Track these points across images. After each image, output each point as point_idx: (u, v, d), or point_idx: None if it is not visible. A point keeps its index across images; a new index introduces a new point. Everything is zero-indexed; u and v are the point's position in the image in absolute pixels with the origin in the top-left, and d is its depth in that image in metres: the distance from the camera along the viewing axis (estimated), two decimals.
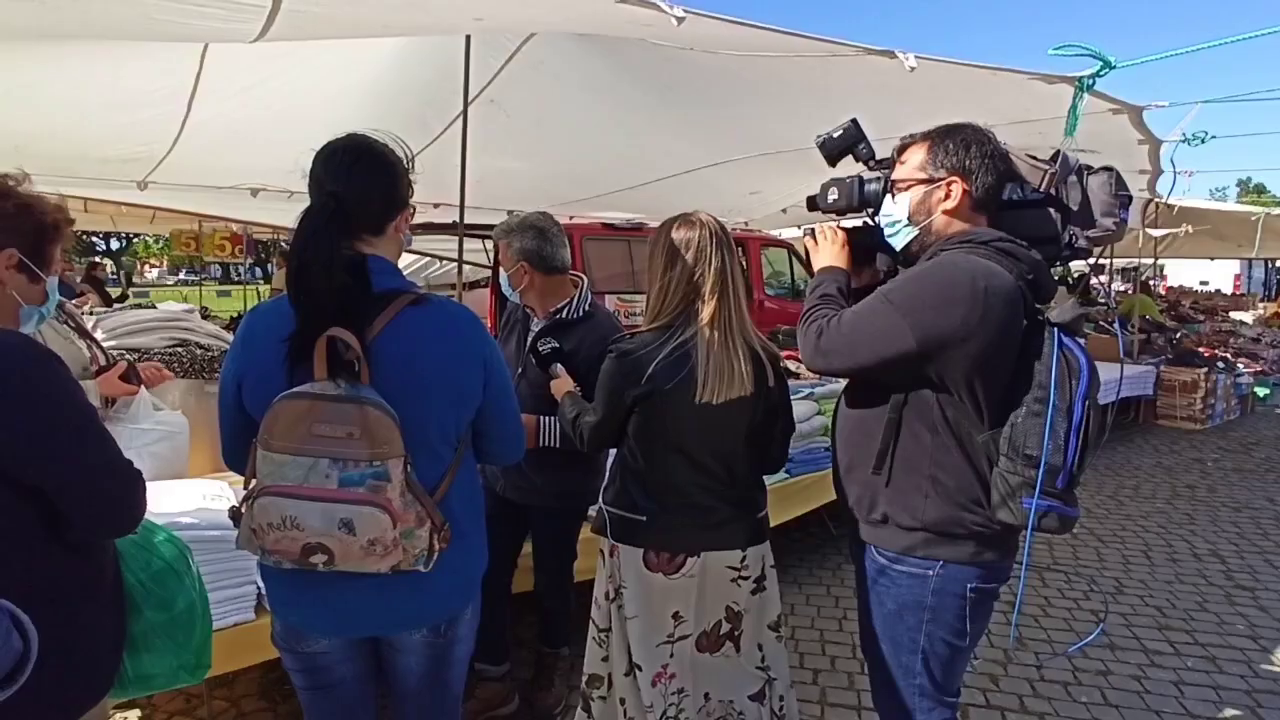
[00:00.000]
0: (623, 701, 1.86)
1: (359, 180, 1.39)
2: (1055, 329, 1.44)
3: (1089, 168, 1.55)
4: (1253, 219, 9.98)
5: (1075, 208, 1.54)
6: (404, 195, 1.46)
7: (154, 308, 3.85)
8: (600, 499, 1.91)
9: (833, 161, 1.81)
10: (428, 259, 9.85)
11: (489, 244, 8.42)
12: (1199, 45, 2.82)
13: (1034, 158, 1.55)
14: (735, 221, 8.50)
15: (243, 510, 1.32)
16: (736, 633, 1.85)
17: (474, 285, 10.55)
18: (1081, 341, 1.47)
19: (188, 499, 2.25)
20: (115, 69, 3.42)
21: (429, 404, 1.36)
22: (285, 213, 7.54)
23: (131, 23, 2.41)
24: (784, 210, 8.34)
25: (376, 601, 1.39)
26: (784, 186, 7.04)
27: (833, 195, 1.76)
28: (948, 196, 1.52)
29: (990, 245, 1.47)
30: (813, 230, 1.78)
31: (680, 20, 2.05)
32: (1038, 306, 1.49)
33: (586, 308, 2.42)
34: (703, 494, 1.79)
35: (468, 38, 3.74)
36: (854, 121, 1.77)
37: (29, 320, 1.33)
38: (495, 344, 1.50)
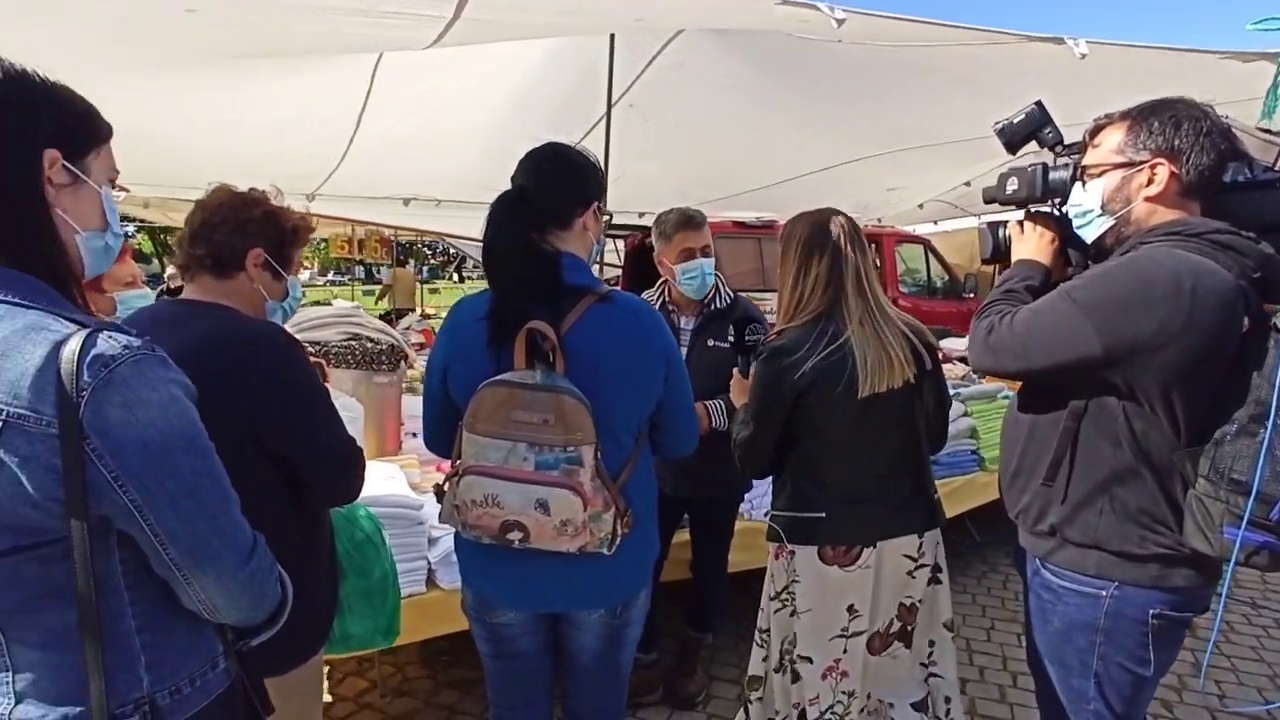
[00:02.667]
0: (773, 695, 1.88)
1: (545, 174, 1.49)
2: None
3: None
4: None
5: None
6: (590, 192, 1.53)
7: (329, 305, 4.21)
8: (770, 508, 1.91)
9: (1013, 149, 1.73)
10: None
11: (620, 244, 8.63)
12: None
13: (1268, 131, 1.40)
14: (868, 218, 8.24)
15: (445, 487, 1.43)
16: (909, 628, 1.82)
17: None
18: None
19: (371, 478, 2.46)
20: (295, 88, 3.77)
21: (615, 395, 1.41)
22: (434, 219, 8.04)
23: (321, 37, 2.65)
24: (920, 205, 8.04)
25: (562, 580, 1.47)
26: (923, 181, 6.78)
27: (1012, 185, 1.67)
28: (1151, 181, 1.39)
29: (1204, 238, 1.33)
30: (1021, 220, 1.67)
31: (841, 22, 2.03)
32: (1266, 309, 1.33)
33: (730, 294, 2.47)
34: (876, 483, 1.77)
35: (611, 42, 3.87)
36: (1038, 104, 1.68)
37: (273, 314, 1.51)
38: (674, 340, 1.55)
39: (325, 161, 5.21)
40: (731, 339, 2.09)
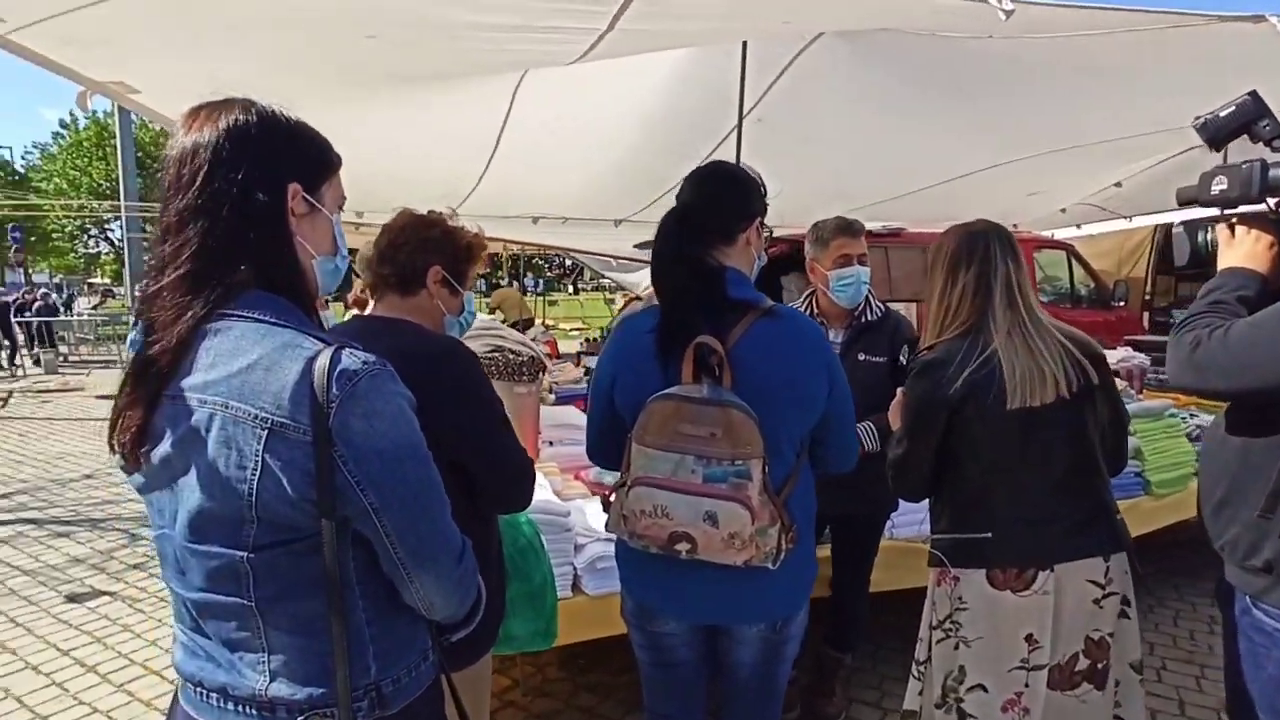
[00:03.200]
0: None
1: (709, 190, 1.54)
2: None
3: None
4: None
5: None
6: (753, 207, 1.56)
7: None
8: (930, 532, 1.85)
9: (1217, 145, 1.58)
10: None
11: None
12: None
13: None
14: (1004, 224, 7.80)
15: (613, 497, 1.47)
16: (1100, 665, 1.68)
17: None
18: None
19: None
20: (444, 108, 3.98)
21: (779, 409, 1.42)
22: (560, 235, 8.30)
23: (482, 54, 2.78)
24: (1063, 210, 7.51)
25: (725, 593, 1.48)
26: (1068, 184, 6.34)
27: (1220, 185, 1.53)
28: None
29: None
30: (1233, 221, 1.53)
31: (1009, 13, 1.94)
32: None
33: (881, 307, 2.41)
34: (1046, 501, 1.67)
35: (743, 54, 3.86)
36: (1253, 95, 1.52)
37: (451, 328, 1.61)
38: (836, 356, 1.55)
39: (465, 181, 5.48)
40: (903, 359, 2.05)
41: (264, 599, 0.94)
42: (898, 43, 3.48)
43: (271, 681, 0.96)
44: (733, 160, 4.20)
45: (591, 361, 8.01)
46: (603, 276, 16.30)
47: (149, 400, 0.94)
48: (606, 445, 1.59)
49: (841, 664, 2.65)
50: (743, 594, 1.48)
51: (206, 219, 0.93)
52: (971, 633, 1.70)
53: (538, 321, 11.74)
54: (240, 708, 0.98)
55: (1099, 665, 1.69)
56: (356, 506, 0.92)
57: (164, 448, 0.94)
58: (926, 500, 2.69)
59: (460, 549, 1.04)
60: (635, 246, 8.67)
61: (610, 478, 2.94)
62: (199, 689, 1.01)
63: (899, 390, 1.94)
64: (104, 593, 4.02)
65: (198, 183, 0.93)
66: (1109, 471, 1.75)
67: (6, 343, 14.58)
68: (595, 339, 11.56)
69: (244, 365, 0.90)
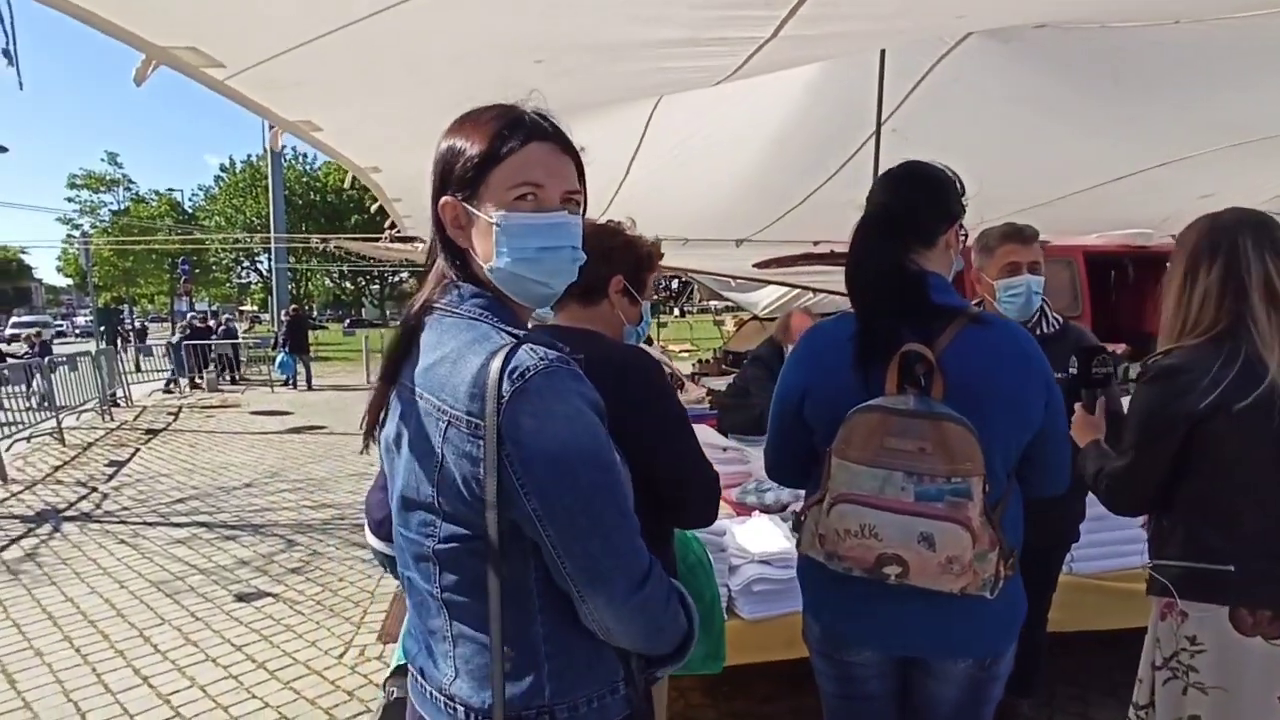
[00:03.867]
0: None
1: (905, 191, 1.47)
2: None
3: None
4: None
5: None
6: (952, 209, 1.48)
7: None
8: (1152, 556, 1.65)
9: None
10: (797, 290, 10.06)
11: None
12: None
13: None
14: (1167, 233, 7.16)
15: (804, 516, 1.40)
16: None
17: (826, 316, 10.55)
18: None
19: None
20: (590, 134, 4.09)
21: (993, 423, 1.31)
22: (683, 255, 8.32)
23: (639, 75, 2.81)
24: None
25: (931, 624, 1.37)
26: (1247, 183, 5.73)
27: None
28: None
29: None
30: None
31: None
32: None
33: (1058, 319, 2.23)
34: None
35: (882, 58, 3.75)
36: None
37: (630, 337, 1.61)
38: (1050, 367, 1.42)
39: (597, 206, 5.60)
40: (1074, 370, 1.86)
41: (449, 591, 0.95)
42: (1058, 39, 3.27)
43: (456, 677, 0.96)
44: (870, 172, 4.09)
45: (713, 382, 7.94)
46: (713, 298, 16.21)
47: (386, 383, 1.00)
48: (790, 463, 1.53)
49: (1019, 710, 2.43)
50: (953, 625, 1.37)
51: (435, 222, 1.02)
52: (1211, 679, 1.50)
53: (656, 341, 11.77)
54: (434, 697, 0.99)
55: None
56: (522, 511, 0.89)
57: (387, 431, 1.00)
58: (1116, 533, 2.46)
59: (644, 573, 0.95)
60: (754, 266, 8.58)
61: (754, 498, 2.86)
62: (413, 669, 1.05)
63: (1077, 406, 1.80)
64: (267, 594, 4.31)
65: (432, 190, 1.02)
66: None
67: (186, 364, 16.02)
68: (707, 360, 11.46)
69: (438, 358, 0.93)
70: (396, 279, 51.50)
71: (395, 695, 1.89)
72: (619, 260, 1.54)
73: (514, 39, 2.32)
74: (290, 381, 15.77)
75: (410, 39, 2.18)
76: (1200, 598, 1.52)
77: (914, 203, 1.46)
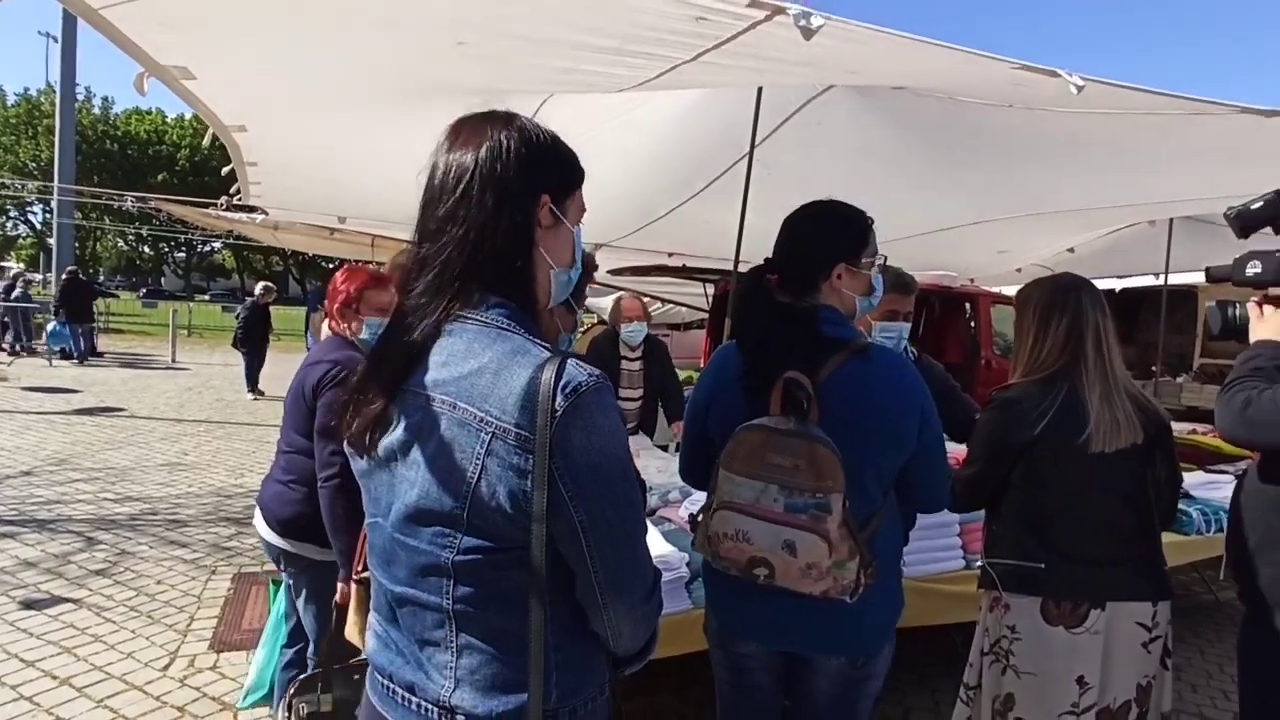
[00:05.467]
0: None
1: (796, 235, 1.61)
2: None
3: None
4: None
5: None
6: (838, 252, 1.58)
7: None
8: (985, 555, 1.94)
9: (1245, 234, 1.78)
10: (648, 298, 10.38)
11: (710, 289, 8.79)
12: None
13: None
14: (963, 277, 8.22)
15: (700, 518, 1.52)
16: (1144, 712, 1.80)
17: (689, 326, 11.05)
18: None
19: None
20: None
21: (866, 447, 1.46)
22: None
23: (554, 72, 2.83)
24: (1019, 270, 7.97)
25: (804, 621, 1.52)
26: (1033, 246, 6.76)
27: (1254, 268, 1.72)
28: None
29: None
30: (1260, 300, 1.73)
31: (1080, 88, 2.11)
32: None
33: (914, 353, 2.54)
34: (1104, 544, 1.79)
35: (759, 95, 4.04)
36: (1278, 193, 1.74)
37: (565, 344, 1.65)
38: (930, 394, 1.57)
39: None
40: None
41: (461, 603, 0.94)
42: (908, 102, 3.71)
43: (456, 688, 0.95)
44: (739, 197, 4.39)
45: None
46: None
47: (388, 391, 0.96)
48: (696, 468, 1.66)
49: None
50: (822, 625, 1.52)
51: (462, 227, 0.95)
52: (1024, 664, 1.80)
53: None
54: (424, 710, 0.97)
55: (1145, 711, 1.79)
56: (566, 524, 0.91)
57: (391, 439, 0.96)
58: (938, 540, 2.83)
59: (654, 581, 1.02)
60: (609, 272, 8.77)
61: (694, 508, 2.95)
62: (388, 683, 1.01)
63: None
64: (65, 600, 3.80)
65: (458, 193, 0.96)
66: (1161, 525, 1.88)
67: None
68: None
69: (474, 368, 0.91)
70: (208, 248, 46.55)
71: (307, 711, 1.80)
72: None
73: (446, 16, 2.27)
74: (71, 354, 13.80)
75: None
76: (1019, 590, 1.82)
77: (799, 247, 1.59)
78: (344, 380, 2.13)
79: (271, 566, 2.62)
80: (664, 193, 5.75)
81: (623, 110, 4.18)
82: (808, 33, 1.91)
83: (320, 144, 4.17)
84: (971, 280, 8.60)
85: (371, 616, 1.07)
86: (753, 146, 4.20)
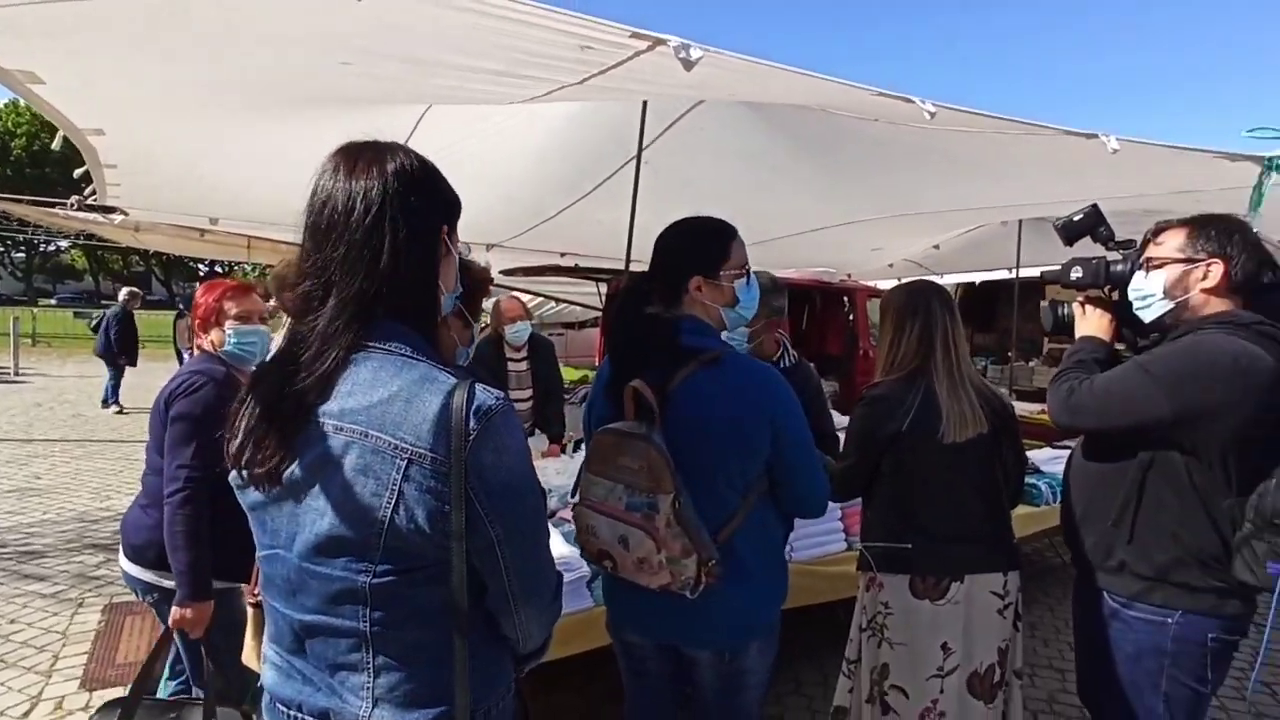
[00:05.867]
0: None
1: (658, 247, 1.69)
2: None
3: None
4: None
5: None
6: (696, 265, 1.64)
7: None
8: (862, 540, 2.11)
9: (1070, 242, 2.02)
10: (541, 299, 10.34)
11: (603, 288, 8.88)
12: None
13: None
14: (842, 274, 8.70)
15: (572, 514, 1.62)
16: (1003, 672, 1.99)
17: (583, 325, 11.11)
18: None
19: None
20: (349, 134, 3.91)
21: (714, 452, 1.54)
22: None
23: (449, 89, 2.80)
24: (890, 265, 8.51)
25: (672, 615, 1.61)
26: (903, 244, 7.23)
27: (1077, 273, 1.96)
28: (1206, 276, 1.68)
29: (1251, 328, 1.62)
30: (1082, 300, 1.97)
31: (933, 114, 2.32)
32: None
33: (794, 355, 2.69)
34: (962, 523, 1.98)
35: (644, 104, 4.15)
36: (1095, 206, 1.98)
37: (461, 358, 1.67)
38: (791, 402, 1.61)
39: None
40: None
41: (379, 625, 0.96)
42: (786, 111, 3.91)
43: (375, 707, 0.98)
44: (629, 198, 4.49)
45: None
46: None
47: (291, 422, 0.95)
48: None
49: None
50: (681, 618, 1.60)
51: (370, 257, 0.96)
52: (896, 636, 1.98)
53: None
54: None
55: (1004, 673, 2.01)
56: (483, 538, 0.96)
57: (294, 470, 0.95)
58: (822, 525, 3.03)
59: (558, 582, 1.09)
60: (501, 273, 8.69)
61: None
62: (295, 713, 1.01)
63: None
64: None
65: (368, 222, 0.96)
66: (1009, 504, 2.10)
67: None
68: None
69: (385, 396, 0.94)
70: (52, 248, 42.20)
71: None
72: None
73: (332, 38, 2.22)
74: None
75: (215, 7, 1.99)
76: (891, 570, 2.01)
77: (663, 258, 1.66)
78: (195, 391, 2.09)
79: None
80: (555, 193, 5.78)
81: (506, 115, 4.18)
82: (688, 64, 2.00)
83: (190, 146, 3.93)
84: (849, 276, 9.12)
85: (268, 648, 1.06)
86: (640, 151, 4.30)
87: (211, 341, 2.27)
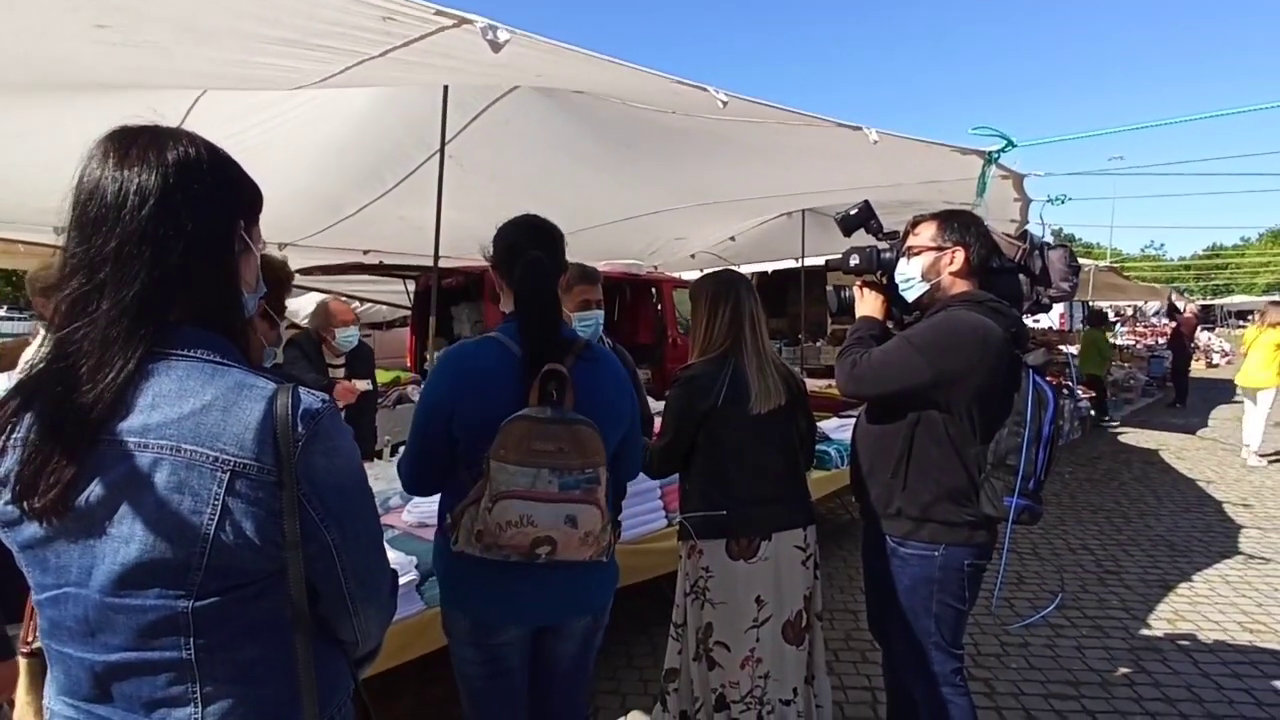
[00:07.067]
0: (691, 683, 2.19)
1: (551, 242, 1.75)
2: (1030, 369, 1.92)
3: (1049, 244, 2.09)
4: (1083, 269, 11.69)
5: (1038, 274, 2.08)
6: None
7: None
8: (681, 511, 2.24)
9: (848, 233, 2.28)
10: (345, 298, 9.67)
11: (410, 285, 8.50)
12: (1064, 137, 3.65)
13: (1009, 236, 2.08)
14: (650, 264, 9.04)
15: (462, 516, 1.54)
16: (808, 617, 2.21)
17: (391, 325, 10.52)
18: (1049, 379, 1.97)
19: None
20: (107, 120, 3.43)
21: (603, 425, 1.62)
22: None
23: (228, 65, 2.53)
24: (693, 255, 8.99)
25: (565, 591, 1.67)
26: (704, 234, 7.66)
27: (855, 260, 2.22)
28: (952, 261, 1.99)
29: (985, 304, 1.94)
30: (860, 284, 2.22)
31: (725, 104, 2.49)
32: (1016, 352, 1.95)
33: (610, 342, 2.80)
34: (768, 486, 2.18)
35: (445, 94, 4.05)
36: (867, 203, 2.24)
37: (269, 359, 1.54)
38: (636, 385, 1.81)
39: None
40: None
41: (204, 649, 0.89)
42: (588, 102, 4.00)
43: None
44: (434, 193, 4.36)
45: None
46: None
47: (77, 443, 0.84)
48: (431, 475, 1.66)
49: None
50: (579, 589, 1.69)
51: (151, 254, 0.87)
52: (716, 596, 2.13)
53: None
54: None
55: (808, 617, 2.23)
56: (320, 544, 0.92)
57: (87, 497, 0.85)
58: (643, 506, 3.16)
59: (394, 579, 1.08)
60: (299, 272, 8.03)
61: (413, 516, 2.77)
62: None
63: None
64: None
65: (143, 215, 0.87)
66: (805, 466, 2.33)
67: None
68: None
69: (196, 407, 0.86)
70: None
71: None
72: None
73: None
74: None
75: None
76: (709, 536, 2.17)
77: (559, 252, 1.73)
78: None
79: None
80: (352, 189, 5.47)
81: (293, 105, 3.89)
82: (496, 46, 2.00)
83: None
84: (656, 268, 9.49)
85: (55, 703, 0.94)
86: (443, 143, 4.19)
87: None
